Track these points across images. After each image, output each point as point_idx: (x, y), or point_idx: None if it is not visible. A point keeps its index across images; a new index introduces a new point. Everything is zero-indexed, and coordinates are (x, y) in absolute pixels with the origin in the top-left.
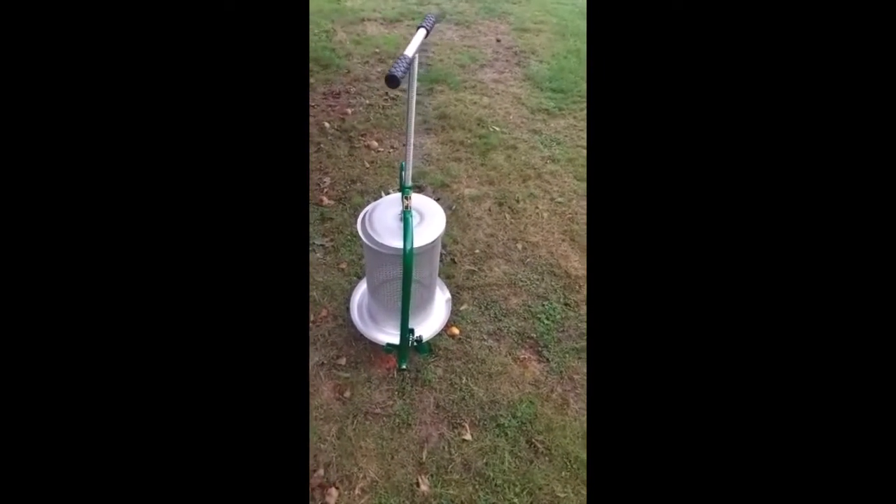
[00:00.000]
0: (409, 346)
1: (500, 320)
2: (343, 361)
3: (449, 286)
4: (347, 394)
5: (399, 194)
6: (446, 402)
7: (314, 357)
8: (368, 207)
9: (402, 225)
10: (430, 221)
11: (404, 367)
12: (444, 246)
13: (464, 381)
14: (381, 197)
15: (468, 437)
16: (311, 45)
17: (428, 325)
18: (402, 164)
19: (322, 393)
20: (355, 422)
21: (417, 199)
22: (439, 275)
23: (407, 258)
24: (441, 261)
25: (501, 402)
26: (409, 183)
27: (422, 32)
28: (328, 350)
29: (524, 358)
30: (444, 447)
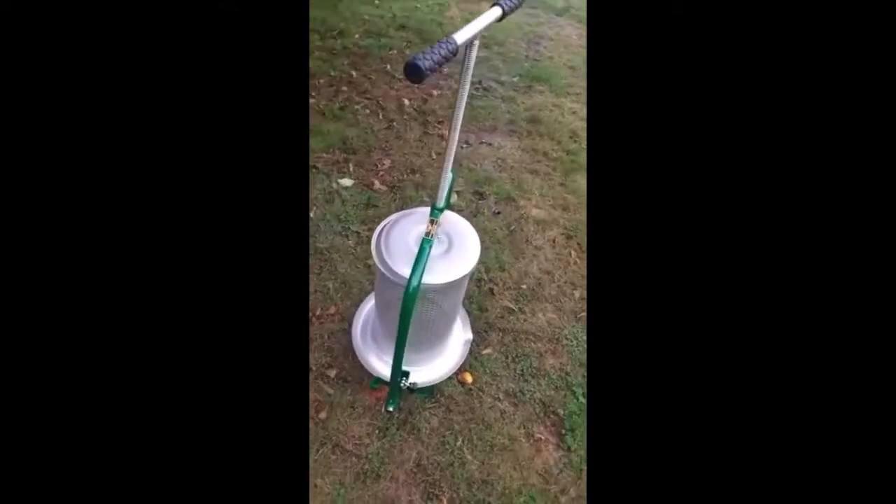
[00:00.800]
0: (400, 390)
1: (525, 380)
2: (332, 374)
3: (476, 322)
4: (323, 415)
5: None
6: (430, 463)
7: None
8: (392, 218)
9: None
10: (460, 253)
11: (391, 409)
12: (486, 270)
13: (459, 443)
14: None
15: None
16: (420, 15)
17: (436, 366)
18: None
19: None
20: (320, 452)
21: (451, 221)
22: (469, 305)
23: (409, 297)
24: (478, 286)
25: (496, 485)
26: (442, 203)
27: (495, 12)
28: (321, 355)
29: (540, 438)
30: None
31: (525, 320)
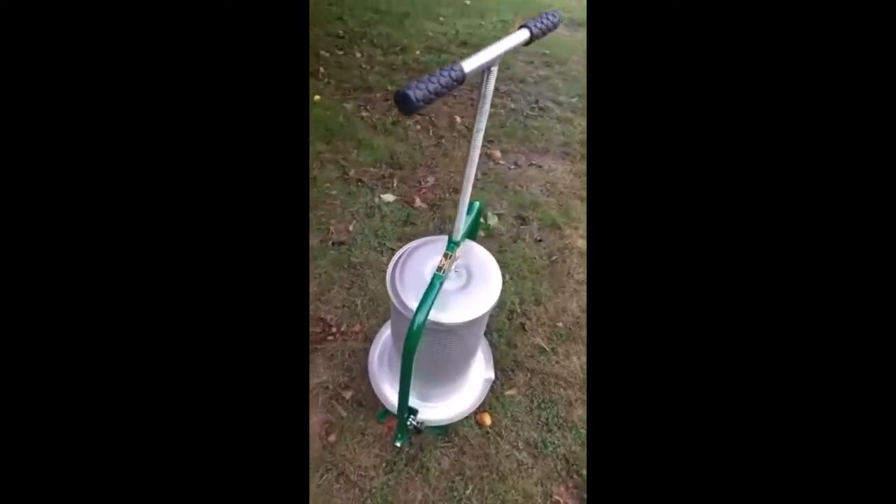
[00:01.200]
0: (406, 427)
1: (549, 430)
2: (348, 395)
3: (502, 358)
4: (333, 437)
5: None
6: None
7: (322, 375)
8: (412, 245)
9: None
10: (479, 288)
11: (398, 444)
12: (520, 302)
13: (468, 491)
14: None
15: None
16: (483, 32)
17: (451, 403)
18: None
19: (315, 419)
20: (324, 478)
21: (473, 253)
22: (496, 339)
23: (412, 335)
24: (509, 319)
25: None
26: (459, 236)
27: (521, 35)
28: (339, 374)
29: (559, 501)
30: None
31: (557, 362)
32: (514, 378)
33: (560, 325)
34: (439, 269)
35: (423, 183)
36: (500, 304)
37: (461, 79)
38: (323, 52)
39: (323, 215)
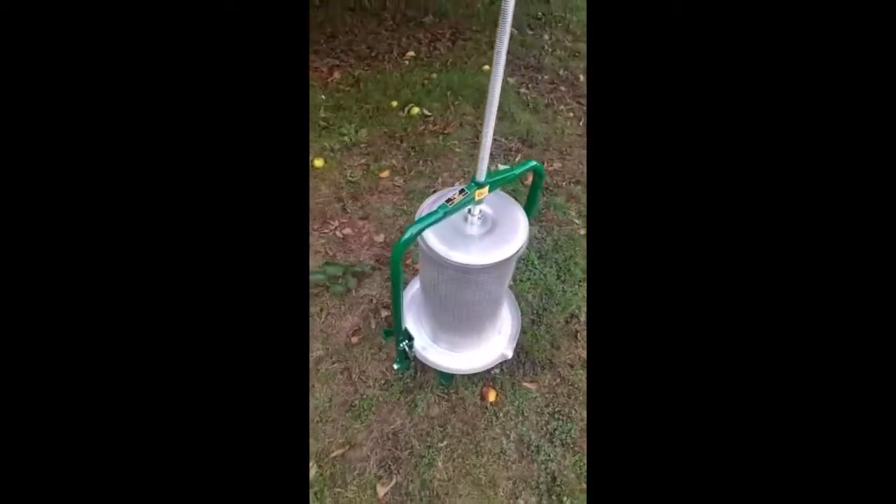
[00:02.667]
0: (405, 354)
1: (550, 441)
2: (384, 314)
3: (538, 353)
4: (355, 339)
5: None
6: (405, 441)
7: (373, 290)
8: (446, 191)
9: (466, 227)
10: (500, 239)
11: (396, 367)
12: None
13: (442, 444)
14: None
15: (381, 492)
16: None
17: (458, 357)
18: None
19: (348, 321)
20: (332, 367)
21: (501, 203)
22: (542, 333)
23: (397, 247)
24: (566, 322)
25: None
26: (482, 177)
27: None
28: (386, 295)
29: None
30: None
31: None
32: (541, 375)
33: None
34: (448, 201)
35: (546, 165)
36: (563, 306)
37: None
38: (513, 29)
39: (439, 166)
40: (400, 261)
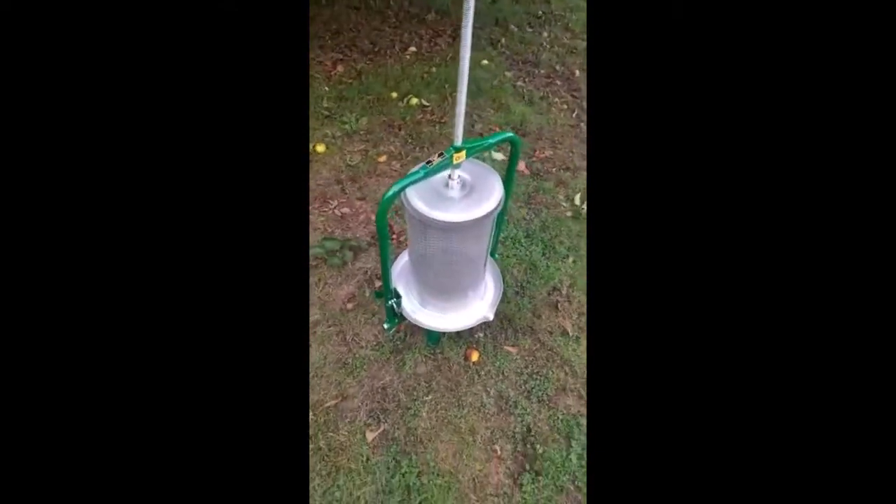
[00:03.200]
0: (393, 312)
1: (528, 398)
2: (377, 284)
3: (519, 321)
4: (350, 306)
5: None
6: (393, 395)
7: (369, 264)
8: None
9: (446, 192)
10: (476, 201)
11: (386, 326)
12: (570, 285)
13: (427, 398)
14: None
15: (369, 437)
16: None
17: (441, 318)
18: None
19: (344, 290)
20: (328, 330)
21: (477, 171)
22: (525, 303)
23: (382, 203)
24: (548, 295)
25: (427, 454)
26: (459, 141)
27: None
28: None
29: (498, 455)
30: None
31: (572, 350)
32: (521, 340)
33: None
34: (428, 163)
35: (538, 153)
36: (546, 280)
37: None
38: (513, 27)
39: (435, 152)
40: (385, 215)
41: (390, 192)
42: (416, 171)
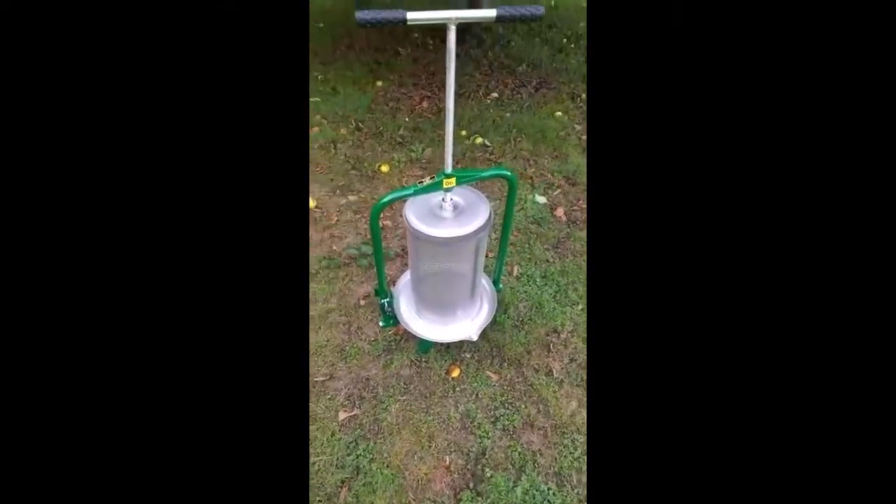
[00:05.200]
0: (384, 310)
1: (493, 424)
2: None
3: (510, 351)
4: (363, 302)
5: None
6: (372, 388)
7: (387, 269)
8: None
9: (440, 212)
10: (465, 221)
11: (381, 325)
12: (571, 330)
13: (403, 397)
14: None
15: (341, 416)
16: None
17: (431, 329)
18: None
19: (363, 288)
20: (338, 319)
21: (468, 195)
22: (518, 335)
23: (374, 209)
24: (546, 336)
25: (383, 446)
26: (449, 169)
27: (488, 13)
28: (396, 273)
29: (448, 467)
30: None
31: (552, 392)
32: (505, 369)
33: (584, 373)
34: (419, 182)
35: (580, 202)
36: (548, 320)
37: (402, 21)
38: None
39: (483, 186)
40: (377, 218)
41: (383, 201)
42: (408, 188)
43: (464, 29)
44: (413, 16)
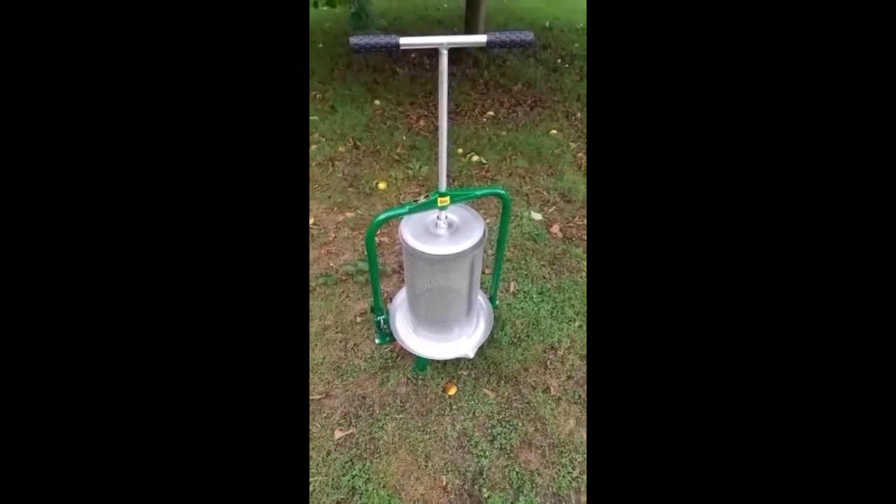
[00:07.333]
0: (379, 327)
1: (490, 443)
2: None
3: (507, 368)
4: (359, 319)
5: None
6: (367, 405)
7: (385, 287)
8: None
9: (435, 230)
10: (459, 239)
11: (377, 342)
12: (568, 348)
13: (399, 416)
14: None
15: (337, 435)
16: None
17: (428, 346)
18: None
19: (359, 305)
20: (335, 336)
21: (463, 214)
22: (516, 352)
23: (370, 227)
24: (543, 353)
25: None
26: (443, 188)
27: (478, 38)
28: (394, 290)
29: (443, 487)
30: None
31: (549, 409)
32: (501, 387)
33: (582, 391)
34: (414, 200)
35: (576, 220)
36: (544, 337)
37: (395, 46)
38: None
39: (478, 204)
40: (374, 235)
41: (378, 219)
42: (403, 206)
43: (459, 49)
44: (406, 41)
